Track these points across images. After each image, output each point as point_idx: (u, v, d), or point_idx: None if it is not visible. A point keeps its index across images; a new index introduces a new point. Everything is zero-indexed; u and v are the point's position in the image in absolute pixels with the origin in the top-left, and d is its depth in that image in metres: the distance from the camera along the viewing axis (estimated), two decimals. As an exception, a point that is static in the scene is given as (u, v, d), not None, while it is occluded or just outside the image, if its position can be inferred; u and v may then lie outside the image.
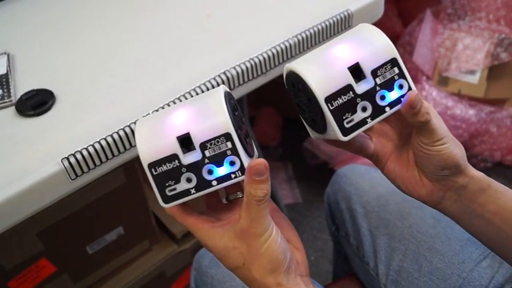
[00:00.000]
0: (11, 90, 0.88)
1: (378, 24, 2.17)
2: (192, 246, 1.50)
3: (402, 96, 0.63)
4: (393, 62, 0.63)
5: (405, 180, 0.71)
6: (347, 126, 0.62)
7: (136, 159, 0.70)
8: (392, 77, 0.63)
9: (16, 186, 0.73)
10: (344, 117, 0.61)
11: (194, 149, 0.58)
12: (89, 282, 1.40)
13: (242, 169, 0.59)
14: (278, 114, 2.38)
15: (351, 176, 1.11)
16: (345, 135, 0.62)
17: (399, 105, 0.63)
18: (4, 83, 0.90)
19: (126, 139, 0.81)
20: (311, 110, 0.64)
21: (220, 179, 0.59)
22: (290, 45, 0.95)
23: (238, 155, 0.58)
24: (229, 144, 0.58)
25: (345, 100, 0.61)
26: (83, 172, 0.79)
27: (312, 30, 0.97)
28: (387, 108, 0.63)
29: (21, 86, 0.90)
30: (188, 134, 0.58)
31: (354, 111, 0.62)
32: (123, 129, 0.81)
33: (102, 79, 0.92)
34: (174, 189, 0.59)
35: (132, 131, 0.81)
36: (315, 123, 0.65)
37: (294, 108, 0.69)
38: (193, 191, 0.59)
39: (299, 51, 0.98)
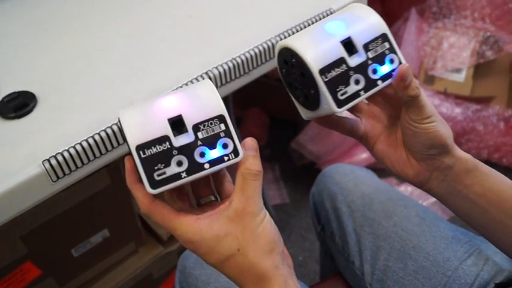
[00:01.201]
0: (-8, 93, 0.88)
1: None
2: (179, 248, 1.49)
3: (393, 70, 0.65)
4: (384, 37, 0.65)
5: (393, 160, 0.72)
6: (341, 98, 0.63)
7: (121, 160, 0.70)
8: (383, 52, 0.65)
9: (-3, 189, 0.73)
10: (338, 89, 0.63)
11: (186, 131, 0.57)
12: (75, 285, 1.39)
13: (235, 152, 0.58)
14: (265, 115, 2.38)
15: (335, 175, 1.11)
16: (339, 106, 0.63)
17: (391, 79, 0.65)
18: (-15, 85, 0.89)
19: (108, 140, 0.81)
20: (304, 85, 0.65)
21: (212, 162, 0.58)
22: (273, 44, 0.95)
23: (231, 137, 0.58)
24: (222, 126, 0.58)
25: (338, 73, 0.62)
26: (64, 174, 0.78)
27: (294, 29, 0.97)
28: (379, 82, 0.65)
29: (2, 88, 0.89)
30: (180, 116, 0.57)
31: (347, 84, 0.63)
32: (104, 130, 0.80)
33: (84, 80, 0.91)
34: (164, 173, 0.57)
35: (114, 132, 0.80)
36: (308, 100, 0.67)
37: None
38: (184, 174, 0.57)
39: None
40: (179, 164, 0.57)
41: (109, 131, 0.80)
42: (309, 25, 0.98)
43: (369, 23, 0.65)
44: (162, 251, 1.49)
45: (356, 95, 0.64)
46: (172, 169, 0.57)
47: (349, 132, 0.74)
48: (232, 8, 1.06)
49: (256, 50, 0.93)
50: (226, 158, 0.58)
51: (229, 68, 0.91)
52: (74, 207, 1.23)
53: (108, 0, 1.13)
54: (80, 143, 0.78)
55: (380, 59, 0.65)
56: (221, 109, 0.58)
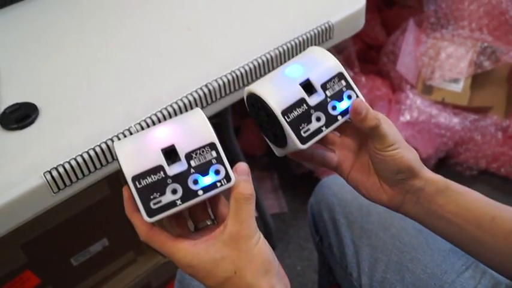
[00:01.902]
0: (-6, 104, 0.88)
1: (361, 33, 2.17)
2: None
3: (348, 107, 0.70)
4: (340, 76, 0.70)
5: (367, 187, 0.76)
6: (304, 135, 0.67)
7: (120, 171, 0.71)
8: (341, 89, 0.70)
9: (-2, 200, 0.73)
10: (301, 127, 0.67)
11: (179, 160, 0.59)
12: (74, 294, 1.40)
13: (227, 177, 0.60)
14: (264, 124, 2.36)
15: (333, 186, 1.12)
16: (303, 143, 0.67)
17: (349, 113, 0.70)
18: (-13, 97, 0.90)
19: (109, 152, 0.81)
20: (271, 126, 0.69)
21: (206, 188, 0.60)
22: (271, 57, 0.96)
23: (223, 164, 0.60)
24: (214, 153, 0.60)
25: (299, 112, 0.67)
26: (65, 185, 0.79)
27: (293, 42, 0.98)
28: (339, 117, 0.70)
29: (4, 100, 0.90)
30: (173, 145, 0.60)
31: (309, 121, 0.68)
32: (105, 142, 0.81)
33: (84, 92, 0.92)
34: (159, 201, 0.58)
35: (114, 144, 0.81)
36: (277, 139, 0.71)
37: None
38: (179, 202, 0.59)
39: (280, 63, 0.98)
40: (174, 192, 0.59)
41: (109, 142, 0.81)
42: (307, 38, 0.99)
43: (326, 65, 0.71)
44: (160, 260, 1.49)
45: (318, 131, 0.69)
46: (168, 197, 0.59)
47: (323, 164, 0.78)
48: (232, 21, 1.07)
49: (255, 63, 0.94)
50: (219, 184, 0.60)
51: (228, 80, 0.91)
52: (73, 217, 1.24)
53: (109, 12, 1.13)
54: (81, 155, 0.79)
55: (338, 96, 0.70)
56: (212, 137, 0.61)
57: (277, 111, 0.66)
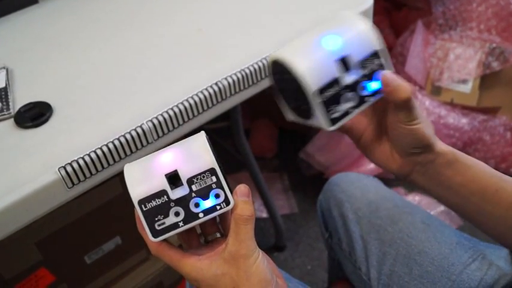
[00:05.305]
0: (10, 103, 0.90)
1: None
2: (189, 255, 1.50)
3: (379, 88, 0.68)
4: (377, 54, 0.68)
5: (377, 154, 0.76)
6: (332, 117, 0.67)
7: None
8: (375, 68, 0.68)
9: (15, 195, 0.75)
10: (330, 109, 0.66)
11: (181, 185, 0.62)
12: (87, 292, 1.41)
13: (226, 201, 0.63)
14: (274, 126, 2.40)
15: (342, 183, 1.13)
16: (330, 125, 0.67)
17: (379, 94, 0.68)
18: (3, 96, 0.92)
19: (121, 148, 0.83)
20: (298, 99, 0.68)
21: (206, 211, 0.63)
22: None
23: (222, 188, 0.63)
24: (214, 179, 0.63)
25: (332, 93, 0.66)
26: (79, 180, 0.81)
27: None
28: (369, 98, 0.68)
29: (19, 99, 0.92)
30: (176, 171, 0.62)
31: (339, 103, 0.67)
32: (118, 139, 0.83)
33: (96, 92, 0.93)
34: (163, 223, 0.62)
35: (127, 140, 0.83)
36: (299, 110, 0.70)
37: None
38: (181, 223, 0.62)
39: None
40: (176, 214, 0.62)
41: (122, 139, 0.83)
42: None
43: (365, 40, 0.67)
44: (172, 259, 1.50)
45: (347, 112, 0.68)
46: (171, 219, 0.62)
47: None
48: (241, 22, 1.08)
49: (264, 62, 0.96)
50: (218, 207, 0.63)
51: (238, 78, 0.93)
52: (87, 215, 1.25)
53: (120, 14, 1.16)
54: (94, 151, 0.81)
55: (371, 76, 0.68)
56: (212, 163, 0.63)
57: (312, 92, 0.64)
